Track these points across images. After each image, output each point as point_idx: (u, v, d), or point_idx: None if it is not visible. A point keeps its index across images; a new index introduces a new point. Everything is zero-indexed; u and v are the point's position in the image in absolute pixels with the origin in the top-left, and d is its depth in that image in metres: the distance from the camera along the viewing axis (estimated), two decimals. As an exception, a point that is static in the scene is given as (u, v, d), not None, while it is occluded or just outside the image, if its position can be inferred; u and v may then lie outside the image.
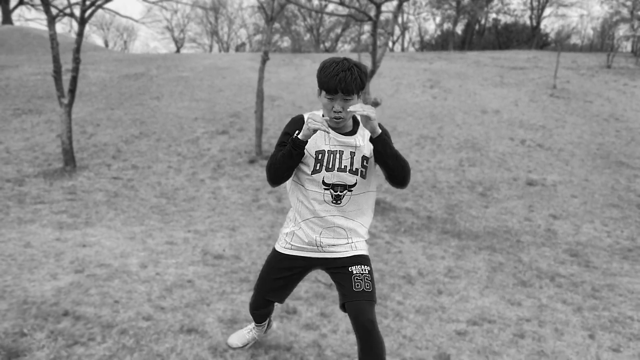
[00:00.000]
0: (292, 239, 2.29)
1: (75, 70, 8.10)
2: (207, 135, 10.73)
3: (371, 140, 2.06)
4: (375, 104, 6.75)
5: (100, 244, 4.93)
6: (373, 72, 6.58)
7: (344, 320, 3.49)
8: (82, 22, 8.07)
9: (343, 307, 2.16)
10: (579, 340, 3.43)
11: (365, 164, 2.15)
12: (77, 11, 8.30)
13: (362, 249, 2.24)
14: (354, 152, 2.13)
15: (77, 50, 8.05)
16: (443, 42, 37.08)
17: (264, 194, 7.54)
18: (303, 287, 4.13)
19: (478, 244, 5.68)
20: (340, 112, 2.02)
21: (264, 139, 10.38)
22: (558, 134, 10.32)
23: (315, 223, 2.19)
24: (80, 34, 8.10)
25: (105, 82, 15.90)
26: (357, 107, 1.94)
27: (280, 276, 2.36)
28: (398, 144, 9.98)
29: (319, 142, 2.12)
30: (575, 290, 4.42)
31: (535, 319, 3.77)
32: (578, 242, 6.01)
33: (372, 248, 5.37)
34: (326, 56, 23.44)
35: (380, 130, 2.03)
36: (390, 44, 41.09)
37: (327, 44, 40.41)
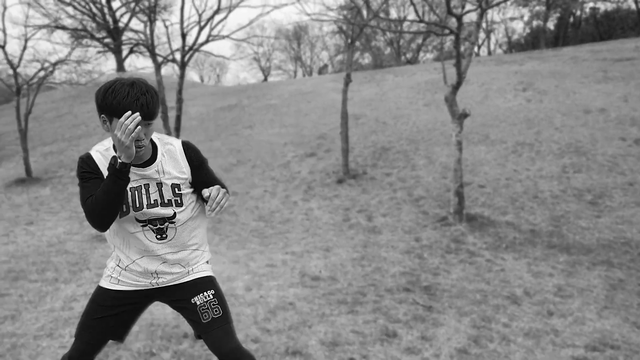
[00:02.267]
0: (120, 273, 1.97)
1: (179, 109, 8.83)
2: (297, 158, 11.10)
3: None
4: (464, 116, 6.58)
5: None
6: (459, 84, 6.44)
7: (446, 344, 3.42)
8: (183, 65, 8.81)
9: (199, 337, 1.94)
10: None
11: (177, 191, 1.89)
12: (177, 56, 9.09)
13: (200, 271, 1.98)
14: (161, 184, 1.86)
15: (180, 92, 8.79)
16: (533, 41, 35.07)
17: (354, 213, 7.63)
18: (402, 310, 4.12)
19: (591, 258, 5.26)
20: (142, 140, 1.74)
21: (350, 158, 10.52)
22: (677, 131, 9.29)
23: (147, 262, 1.92)
24: (181, 76, 8.84)
25: (203, 115, 17.09)
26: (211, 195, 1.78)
27: (105, 314, 1.97)
28: (492, 152, 9.61)
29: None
30: None
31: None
32: None
33: (472, 267, 5.20)
34: (408, 69, 23.25)
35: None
36: (475, 48, 39.74)
37: (409, 55, 40.09)
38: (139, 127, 1.66)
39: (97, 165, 1.82)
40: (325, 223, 7.41)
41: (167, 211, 1.86)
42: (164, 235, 1.88)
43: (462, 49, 6.81)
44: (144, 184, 1.84)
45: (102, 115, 1.75)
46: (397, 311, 4.09)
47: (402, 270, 5.21)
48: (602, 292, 4.38)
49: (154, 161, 1.86)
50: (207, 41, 8.72)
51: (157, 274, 1.92)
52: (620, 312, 3.95)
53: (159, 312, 4.03)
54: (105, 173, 1.79)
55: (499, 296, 4.34)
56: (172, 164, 1.88)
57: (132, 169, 1.81)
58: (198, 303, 1.88)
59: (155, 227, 1.86)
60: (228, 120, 16.41)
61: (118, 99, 1.68)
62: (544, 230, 6.25)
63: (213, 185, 1.81)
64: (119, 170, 1.70)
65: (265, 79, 48.89)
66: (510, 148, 9.67)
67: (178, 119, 8.80)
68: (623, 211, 6.57)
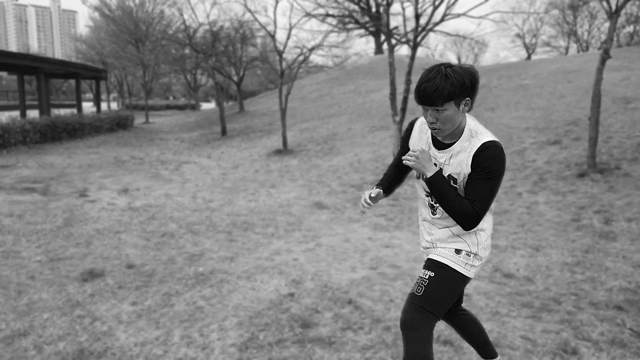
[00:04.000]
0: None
1: (407, 91, 9.05)
2: (535, 145, 10.06)
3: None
4: None
5: (401, 247, 5.42)
6: None
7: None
8: (414, 46, 8.95)
9: None
10: None
11: (452, 183, 1.97)
12: (411, 36, 9.26)
13: (440, 255, 2.06)
14: (441, 169, 1.99)
15: (409, 73, 8.99)
16: None
17: (589, 213, 6.54)
18: (600, 329, 3.47)
19: None
20: (433, 122, 1.88)
21: (604, 150, 8.95)
22: None
23: (424, 225, 2.20)
24: (412, 57, 9.01)
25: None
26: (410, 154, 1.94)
27: None
28: None
29: (418, 145, 2.09)
30: None
31: None
32: None
33: None
34: None
35: (429, 174, 1.93)
36: None
37: None
38: (430, 110, 1.86)
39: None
40: (548, 220, 6.60)
41: None
42: (435, 213, 2.09)
43: None
44: (435, 162, 2.01)
45: None
46: (593, 329, 3.45)
47: (624, 286, 4.30)
48: None
49: (449, 147, 1.98)
50: (441, 20, 8.60)
51: (424, 240, 2.20)
52: None
53: (337, 276, 4.39)
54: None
55: None
56: (460, 157, 1.94)
57: (432, 149, 2.03)
58: (419, 275, 2.08)
59: (431, 202, 2.09)
60: (475, 101, 15.92)
61: (417, 84, 1.89)
62: None
63: (471, 196, 1.91)
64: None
65: (529, 57, 44.84)
66: None
67: (405, 100, 9.02)
68: None
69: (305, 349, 3.12)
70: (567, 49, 43.61)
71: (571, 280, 4.47)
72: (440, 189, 1.91)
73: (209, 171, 10.95)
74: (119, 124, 20.09)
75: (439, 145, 2.00)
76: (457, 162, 1.94)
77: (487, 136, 1.91)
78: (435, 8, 8.63)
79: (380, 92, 21.50)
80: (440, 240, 2.09)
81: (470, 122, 1.95)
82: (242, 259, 4.85)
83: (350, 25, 27.58)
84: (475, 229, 1.99)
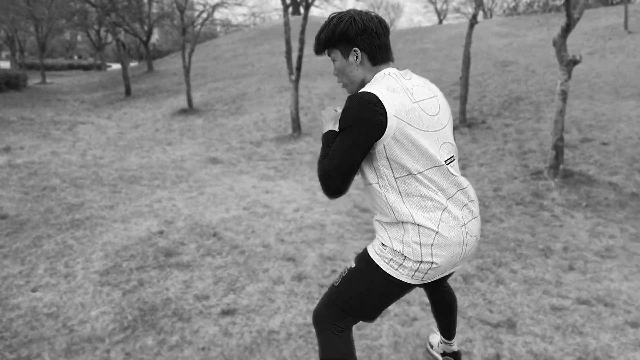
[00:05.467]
0: None
1: (301, 50, 9.42)
2: (422, 104, 10.94)
3: None
4: (574, 62, 5.78)
5: (280, 192, 5.93)
6: (568, 26, 5.63)
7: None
8: (307, 6, 9.29)
9: None
10: None
11: None
12: (304, -3, 9.55)
13: (370, 245, 1.72)
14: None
15: (302, 32, 9.34)
16: None
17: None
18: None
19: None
20: (336, 75, 1.70)
21: (477, 106, 9.99)
22: None
23: None
24: (305, 17, 9.35)
25: (352, 59, 17.49)
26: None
27: None
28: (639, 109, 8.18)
29: None
30: None
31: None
32: None
33: (530, 219, 4.86)
34: (593, 12, 20.12)
35: (323, 131, 1.70)
36: None
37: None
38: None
39: None
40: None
41: None
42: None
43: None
44: None
45: None
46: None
47: (456, 215, 5.13)
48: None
49: None
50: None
51: None
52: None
53: (210, 217, 4.82)
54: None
55: (532, 248, 4.07)
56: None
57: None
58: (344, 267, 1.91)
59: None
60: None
61: None
62: (650, 195, 5.35)
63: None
64: None
65: (440, 22, 46.73)
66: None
67: (299, 59, 9.42)
68: None
69: (164, 272, 3.54)
70: (475, 15, 45.84)
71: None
72: (323, 147, 1.64)
73: (106, 131, 10.79)
74: (7, 83, 18.66)
75: None
76: None
77: (365, 89, 1.55)
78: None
79: (294, 53, 21.69)
80: (375, 229, 1.73)
81: (374, 80, 1.61)
82: (121, 207, 5.12)
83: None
84: (399, 219, 1.59)
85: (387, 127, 1.50)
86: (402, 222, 1.59)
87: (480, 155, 7.54)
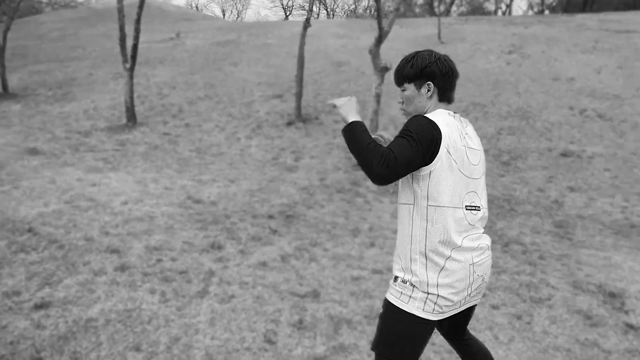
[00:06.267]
0: None
1: (136, 38, 9.06)
2: (262, 98, 11.32)
3: None
4: (386, 69, 6.68)
5: (109, 184, 5.74)
6: (381, 37, 6.50)
7: (258, 258, 3.81)
8: (142, -8, 8.95)
9: None
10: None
11: None
12: (139, -18, 9.19)
13: (389, 291, 1.76)
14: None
15: (138, 21, 9.00)
16: (568, 5, 33.46)
17: (287, 154, 7.93)
18: (250, 231, 4.50)
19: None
20: (400, 102, 1.87)
21: (312, 103, 10.70)
22: (631, 104, 9.14)
23: None
24: (140, 5, 9.00)
25: (197, 48, 17.20)
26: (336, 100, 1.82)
27: None
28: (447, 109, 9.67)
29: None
30: (517, 256, 4.21)
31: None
32: (580, 215, 5.50)
33: (347, 205, 5.52)
34: (416, 22, 22.72)
35: (348, 121, 1.72)
36: (502, 7, 38.16)
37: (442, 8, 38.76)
38: (399, 89, 1.84)
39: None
40: (254, 160, 7.75)
41: None
42: None
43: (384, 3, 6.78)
44: None
45: None
46: (244, 232, 4.47)
47: (284, 202, 5.57)
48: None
49: None
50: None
51: None
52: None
53: (26, 211, 4.51)
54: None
55: (344, 229, 4.68)
56: None
57: None
58: None
59: None
60: (219, 55, 16.50)
61: None
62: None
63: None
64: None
65: (286, 18, 48.02)
66: (463, 107, 9.72)
67: (134, 47, 9.05)
68: (526, 173, 6.72)
69: (-34, 271, 3.28)
70: (318, 14, 48.09)
71: (247, 202, 5.54)
72: (354, 134, 1.66)
73: None
74: None
75: None
76: None
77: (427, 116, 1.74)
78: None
79: (130, 41, 20.44)
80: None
81: (435, 110, 1.77)
82: None
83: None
84: (412, 252, 1.70)
85: (439, 153, 1.62)
86: (412, 253, 1.70)
87: (312, 148, 8.19)
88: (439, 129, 1.64)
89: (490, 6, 38.83)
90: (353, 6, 41.68)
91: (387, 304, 1.73)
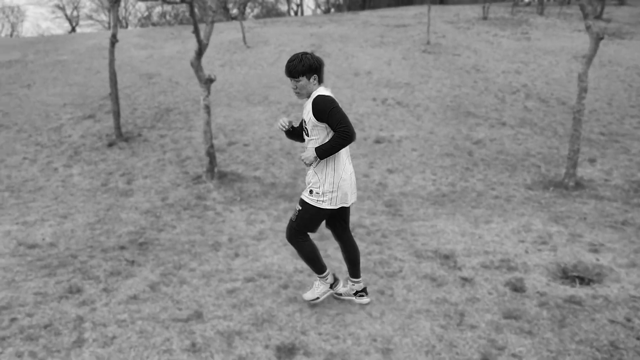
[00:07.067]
0: None
1: None
2: (72, 121, 10.35)
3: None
4: (210, 81, 6.82)
5: None
6: (201, 50, 6.62)
7: (123, 293, 3.67)
8: None
9: None
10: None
11: (304, 124, 3.12)
12: None
13: (304, 194, 3.18)
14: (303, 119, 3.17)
15: None
16: (350, 3, 37.17)
17: (116, 177, 7.51)
18: (105, 267, 4.27)
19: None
20: (294, 88, 3.04)
21: (130, 120, 10.19)
22: (420, 90, 10.93)
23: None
24: None
25: (-28, 73, 14.72)
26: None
27: None
28: (267, 113, 10.17)
29: (305, 110, 3.10)
30: (364, 238, 4.89)
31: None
32: (402, 192, 6.54)
33: (199, 220, 5.58)
34: (218, 27, 22.91)
35: (317, 154, 2.98)
36: (294, 7, 40.63)
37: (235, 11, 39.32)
38: (292, 80, 3.01)
39: None
40: (81, 189, 7.16)
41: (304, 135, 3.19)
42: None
43: (204, 16, 6.94)
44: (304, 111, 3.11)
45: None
46: (99, 269, 4.23)
47: (131, 230, 5.36)
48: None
49: (304, 103, 3.10)
50: None
51: None
52: (290, 247, 4.54)
53: None
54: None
55: (204, 245, 4.77)
56: (307, 108, 3.04)
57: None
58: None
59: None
60: (3, 78, 14.42)
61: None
62: (282, 183, 6.95)
63: (334, 126, 2.92)
64: None
65: (74, 30, 43.58)
66: (283, 108, 10.35)
67: None
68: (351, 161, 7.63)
69: None
70: (109, 23, 44.71)
71: (91, 236, 5.19)
72: (324, 151, 2.95)
73: None
74: None
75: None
76: (306, 111, 3.03)
77: (316, 94, 3.00)
78: None
79: None
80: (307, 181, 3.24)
81: (318, 90, 3.02)
82: None
83: None
84: (317, 171, 3.11)
85: None
86: (316, 172, 3.14)
87: (143, 167, 7.88)
88: (333, 97, 3.00)
89: (283, 7, 41.10)
90: (147, 13, 39.83)
91: (302, 200, 3.21)
